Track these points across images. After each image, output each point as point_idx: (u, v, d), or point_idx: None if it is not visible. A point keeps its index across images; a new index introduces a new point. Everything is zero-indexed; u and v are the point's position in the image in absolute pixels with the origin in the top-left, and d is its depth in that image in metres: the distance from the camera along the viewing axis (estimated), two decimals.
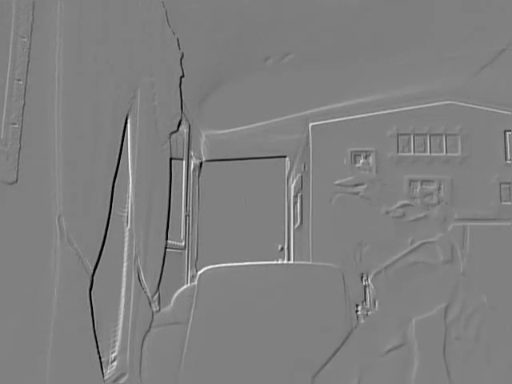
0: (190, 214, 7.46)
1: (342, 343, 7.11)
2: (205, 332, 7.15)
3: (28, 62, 7.56)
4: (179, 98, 7.59)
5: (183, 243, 7.42)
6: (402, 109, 7.49)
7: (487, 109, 7.44)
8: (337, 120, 7.50)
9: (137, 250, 7.32)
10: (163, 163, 7.48)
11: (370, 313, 7.17)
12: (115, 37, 7.60)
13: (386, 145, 7.45)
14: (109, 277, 7.28)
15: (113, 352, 7.19)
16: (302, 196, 7.44)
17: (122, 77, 7.55)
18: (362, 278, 7.22)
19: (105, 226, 7.33)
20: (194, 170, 7.53)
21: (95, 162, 7.41)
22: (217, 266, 7.31)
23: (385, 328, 7.13)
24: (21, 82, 7.52)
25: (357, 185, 7.36)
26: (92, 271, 7.24)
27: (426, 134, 7.44)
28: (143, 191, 7.41)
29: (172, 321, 7.23)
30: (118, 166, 7.43)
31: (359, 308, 7.18)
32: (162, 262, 7.34)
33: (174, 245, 7.41)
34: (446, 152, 7.42)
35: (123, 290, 7.26)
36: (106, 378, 7.15)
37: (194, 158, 7.55)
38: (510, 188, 7.34)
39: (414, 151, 7.43)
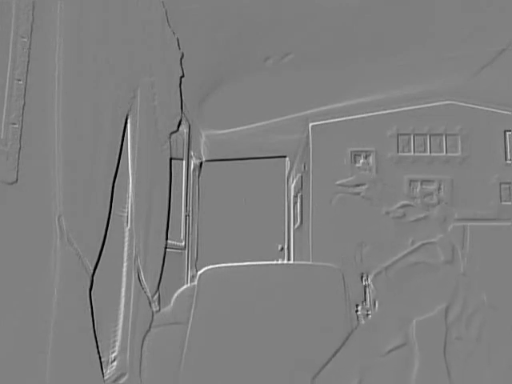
0: (190, 214, 7.46)
1: (343, 343, 7.11)
2: (205, 332, 7.15)
3: (28, 62, 7.56)
4: (179, 98, 7.59)
5: (183, 243, 7.42)
6: (402, 109, 7.49)
7: (487, 109, 7.44)
8: (337, 120, 7.50)
9: (137, 250, 7.32)
10: (163, 163, 7.48)
11: (369, 313, 7.17)
12: (115, 37, 7.60)
13: (386, 145, 7.45)
14: (109, 277, 7.28)
15: (113, 352, 7.19)
16: (301, 196, 7.44)
17: (122, 77, 7.55)
18: (362, 278, 7.22)
19: (105, 226, 7.33)
20: (194, 170, 7.53)
21: (95, 162, 7.41)
22: (217, 266, 7.31)
23: (385, 328, 7.13)
24: (21, 82, 7.52)
25: (358, 185, 7.36)
26: (92, 271, 7.24)
27: (426, 134, 7.44)
28: (143, 191, 7.41)
29: (172, 321, 7.23)
30: (118, 166, 7.43)
31: (359, 308, 7.17)
32: (161, 262, 7.34)
33: (173, 245, 7.41)
34: (446, 152, 7.42)
35: (123, 290, 7.26)
36: (105, 378, 7.15)
37: (194, 158, 7.55)
38: (510, 188, 7.34)
39: (414, 151, 7.43)
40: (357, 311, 7.17)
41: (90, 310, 7.17)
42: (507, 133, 7.41)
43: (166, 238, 7.39)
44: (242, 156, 7.51)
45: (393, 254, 7.24)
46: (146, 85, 7.56)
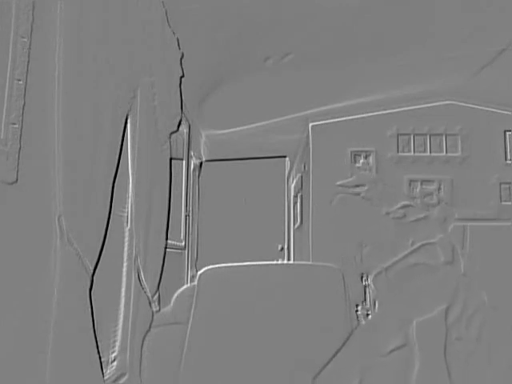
0: (190, 214, 7.46)
1: (343, 344, 7.11)
2: (205, 332, 7.15)
3: (28, 62, 7.56)
4: (179, 98, 7.59)
5: (183, 243, 7.42)
6: (402, 109, 7.49)
7: (487, 109, 7.44)
8: (337, 120, 7.50)
9: (137, 250, 7.32)
10: (163, 163, 7.48)
11: (369, 313, 7.17)
12: (115, 37, 7.60)
13: (386, 145, 7.45)
14: (109, 277, 7.27)
15: (113, 352, 7.19)
16: (301, 196, 7.44)
17: (122, 77, 7.55)
18: (362, 278, 7.22)
19: (105, 226, 7.32)
20: (194, 170, 7.53)
21: (95, 162, 7.41)
22: (217, 266, 7.31)
23: (386, 329, 7.13)
24: (21, 82, 7.52)
25: (358, 185, 7.36)
26: (92, 271, 7.24)
27: (426, 134, 7.44)
28: (143, 191, 7.41)
29: (172, 321, 7.23)
30: (118, 166, 7.43)
31: (359, 308, 7.17)
32: (162, 262, 7.33)
33: (173, 245, 7.41)
34: (446, 152, 7.42)
35: (123, 290, 7.26)
36: (106, 378, 7.15)
37: (194, 158, 7.55)
38: (510, 188, 7.34)
39: (414, 151, 7.43)
40: (357, 311, 7.17)
41: (89, 310, 7.17)
42: (507, 133, 7.41)
43: (166, 238, 7.39)
44: (242, 156, 7.51)
45: (393, 254, 7.24)
46: (146, 85, 7.56)
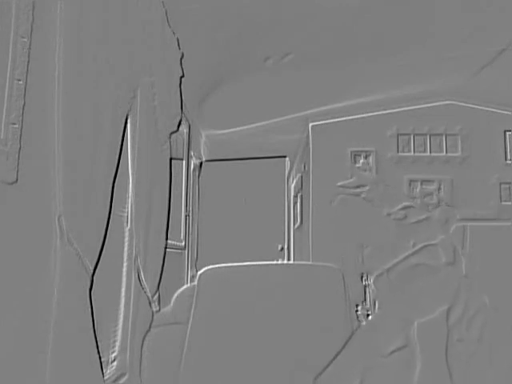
0: (190, 214, 7.46)
1: (344, 344, 7.10)
2: (205, 332, 7.15)
3: (28, 62, 7.56)
4: (179, 98, 7.59)
5: (183, 243, 7.42)
6: (402, 109, 7.49)
7: (487, 109, 7.44)
8: (337, 120, 7.50)
9: (137, 250, 7.32)
10: (163, 163, 7.48)
11: (369, 313, 7.17)
12: (115, 37, 7.60)
13: (386, 145, 7.44)
14: (109, 277, 7.27)
15: (113, 352, 7.19)
16: (301, 196, 7.44)
17: (122, 77, 7.55)
18: (362, 277, 7.22)
19: (105, 226, 7.32)
20: (194, 170, 7.53)
21: (95, 162, 7.41)
22: (217, 266, 7.31)
23: (387, 330, 7.13)
24: (21, 82, 7.52)
25: (359, 186, 7.35)
26: (92, 271, 7.24)
27: (426, 134, 7.44)
28: (143, 191, 7.41)
29: (172, 321, 7.23)
30: (118, 166, 7.43)
31: (359, 308, 7.17)
32: (162, 262, 7.33)
33: (173, 245, 7.41)
34: (446, 152, 7.42)
35: (123, 290, 7.26)
36: (105, 378, 7.15)
37: (194, 158, 7.55)
38: (510, 188, 7.34)
39: (414, 151, 7.43)
40: (357, 311, 7.17)
41: (89, 310, 7.17)
42: (507, 133, 7.41)
43: (166, 238, 7.39)
44: (242, 156, 7.51)
45: (394, 255, 7.24)
46: (146, 85, 7.56)
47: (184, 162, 7.54)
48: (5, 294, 7.16)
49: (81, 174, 7.38)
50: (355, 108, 7.52)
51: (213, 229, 7.41)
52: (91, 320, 7.16)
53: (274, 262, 7.34)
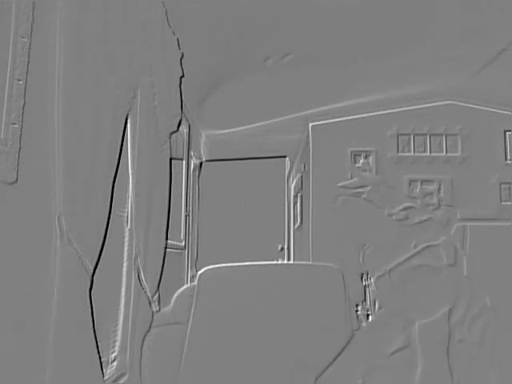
0: (190, 214, 7.46)
1: (345, 344, 7.10)
2: (205, 332, 7.15)
3: (28, 62, 7.56)
4: (179, 98, 7.59)
5: (183, 243, 7.42)
6: (402, 109, 7.49)
7: (487, 109, 7.44)
8: (337, 120, 7.50)
9: (137, 250, 7.32)
10: (163, 163, 7.48)
11: (369, 313, 7.17)
12: (115, 37, 7.60)
13: (386, 145, 7.45)
14: (109, 277, 7.27)
15: (113, 352, 7.19)
16: (301, 196, 7.44)
17: (122, 77, 7.55)
18: (362, 277, 7.22)
19: (105, 226, 7.33)
20: (194, 170, 7.53)
21: (95, 162, 7.41)
22: (217, 266, 7.31)
23: (389, 330, 7.12)
24: (21, 82, 7.52)
25: (361, 186, 7.35)
26: (92, 271, 7.24)
27: (426, 134, 7.44)
28: (143, 191, 7.41)
29: (172, 321, 7.23)
30: (118, 166, 7.43)
31: (359, 308, 7.17)
32: (162, 262, 7.34)
33: (173, 245, 7.41)
34: (446, 152, 7.42)
35: (123, 290, 7.26)
36: (105, 378, 7.15)
37: (194, 158, 7.55)
38: (510, 188, 7.34)
39: (414, 151, 7.43)
40: (357, 311, 7.17)
41: (89, 310, 7.17)
42: (507, 133, 7.41)
43: (166, 238, 7.39)
44: (242, 156, 7.51)
45: (396, 256, 7.24)
46: (146, 85, 7.56)
47: (184, 162, 7.54)
48: (5, 294, 7.16)
49: (81, 174, 7.38)
50: (355, 108, 7.52)
51: (213, 229, 7.41)
52: (91, 320, 7.16)
53: (274, 262, 7.34)
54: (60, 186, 7.34)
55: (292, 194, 7.45)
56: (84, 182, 7.37)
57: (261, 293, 7.19)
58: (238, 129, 7.54)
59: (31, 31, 7.62)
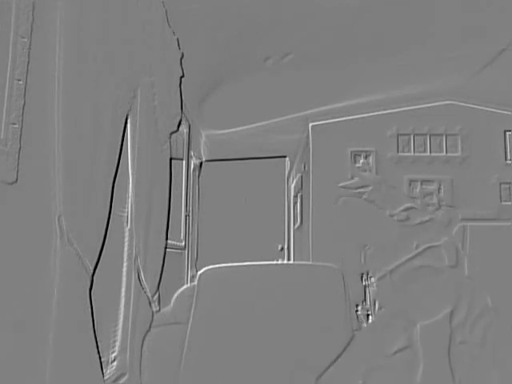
0: (190, 214, 7.46)
1: (347, 344, 7.10)
2: (205, 332, 7.15)
3: (28, 62, 7.56)
4: (179, 98, 7.59)
5: (183, 243, 7.42)
6: (402, 109, 7.49)
7: (487, 109, 7.44)
8: (337, 120, 7.50)
9: (137, 250, 7.32)
10: (163, 163, 7.48)
11: (369, 313, 7.17)
12: (115, 37, 7.60)
13: (386, 145, 7.44)
14: (109, 277, 7.27)
15: (113, 352, 7.19)
16: (301, 196, 7.44)
17: (122, 77, 7.55)
18: (362, 277, 7.22)
19: (105, 226, 7.32)
20: (194, 170, 7.53)
21: (95, 162, 7.41)
22: (217, 266, 7.31)
23: (389, 331, 7.12)
24: (21, 82, 7.52)
25: (362, 187, 7.35)
26: (92, 271, 7.24)
27: (425, 134, 7.44)
28: (143, 191, 7.41)
29: (172, 321, 7.23)
30: (118, 166, 7.43)
31: (359, 308, 7.17)
32: (162, 262, 7.33)
33: (173, 245, 7.41)
34: (446, 152, 7.42)
35: (123, 290, 7.26)
36: (106, 378, 7.15)
37: (194, 158, 7.55)
38: (510, 188, 7.34)
39: (414, 151, 7.43)
40: (357, 311, 7.17)
41: (89, 310, 7.17)
42: (507, 133, 7.41)
43: (166, 238, 7.39)
44: (242, 156, 7.51)
45: (397, 257, 7.23)
46: (146, 85, 7.56)
47: (184, 162, 7.54)
48: (5, 294, 7.16)
49: (81, 174, 7.38)
50: (355, 108, 7.52)
51: (213, 229, 7.41)
52: (91, 320, 7.16)
53: (274, 262, 7.34)
54: (60, 186, 7.34)
55: (292, 193, 7.45)
56: (84, 182, 7.37)
57: (261, 293, 7.19)
58: (238, 129, 7.54)
59: (31, 31, 7.62)
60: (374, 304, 7.18)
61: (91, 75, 7.54)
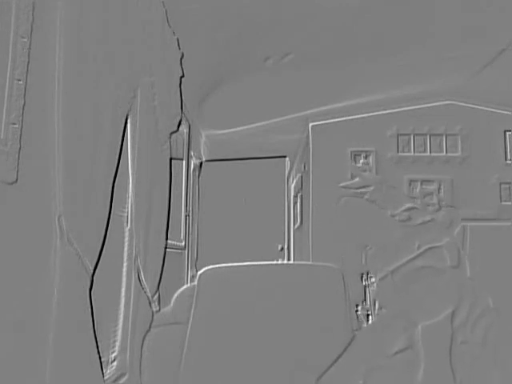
0: (190, 214, 7.46)
1: (348, 345, 7.10)
2: (205, 332, 7.15)
3: (28, 62, 7.56)
4: (179, 98, 7.59)
5: (183, 243, 7.42)
6: (402, 109, 7.49)
7: (487, 109, 7.44)
8: (337, 120, 7.50)
9: (137, 250, 7.32)
10: (163, 163, 7.48)
11: (369, 313, 7.17)
12: (115, 37, 7.60)
13: (386, 145, 7.44)
14: (109, 277, 7.27)
15: (113, 352, 7.18)
16: (301, 196, 7.44)
17: (122, 77, 7.55)
18: (362, 277, 7.22)
19: (105, 226, 7.32)
20: (194, 170, 7.53)
21: (95, 162, 7.41)
22: (217, 266, 7.31)
23: (390, 331, 7.12)
24: (21, 82, 7.52)
25: (363, 187, 7.35)
26: (92, 271, 7.24)
27: (426, 134, 7.44)
28: (143, 191, 7.41)
29: (172, 321, 7.23)
30: (118, 166, 7.43)
31: (359, 308, 7.17)
32: (162, 262, 7.33)
33: (174, 245, 7.41)
34: (446, 152, 7.42)
35: (123, 290, 7.26)
36: (106, 378, 7.15)
37: (194, 158, 7.55)
38: (510, 188, 7.34)
39: (414, 151, 7.43)
40: (357, 311, 7.17)
41: (89, 310, 7.17)
42: (507, 133, 7.41)
43: (166, 238, 7.39)
44: (242, 156, 7.51)
45: (398, 257, 7.23)
46: (146, 85, 7.56)
47: (184, 162, 7.54)
48: (5, 294, 7.16)
49: (81, 174, 7.38)
50: (355, 108, 7.52)
51: (213, 229, 7.41)
52: (91, 320, 7.16)
53: (274, 262, 7.34)
54: (60, 186, 7.34)
55: (292, 193, 7.45)
56: (84, 182, 7.37)
57: (261, 293, 7.18)
58: (238, 129, 7.54)
59: (31, 31, 7.62)
60: (374, 304, 7.18)
61: (91, 75, 7.54)
